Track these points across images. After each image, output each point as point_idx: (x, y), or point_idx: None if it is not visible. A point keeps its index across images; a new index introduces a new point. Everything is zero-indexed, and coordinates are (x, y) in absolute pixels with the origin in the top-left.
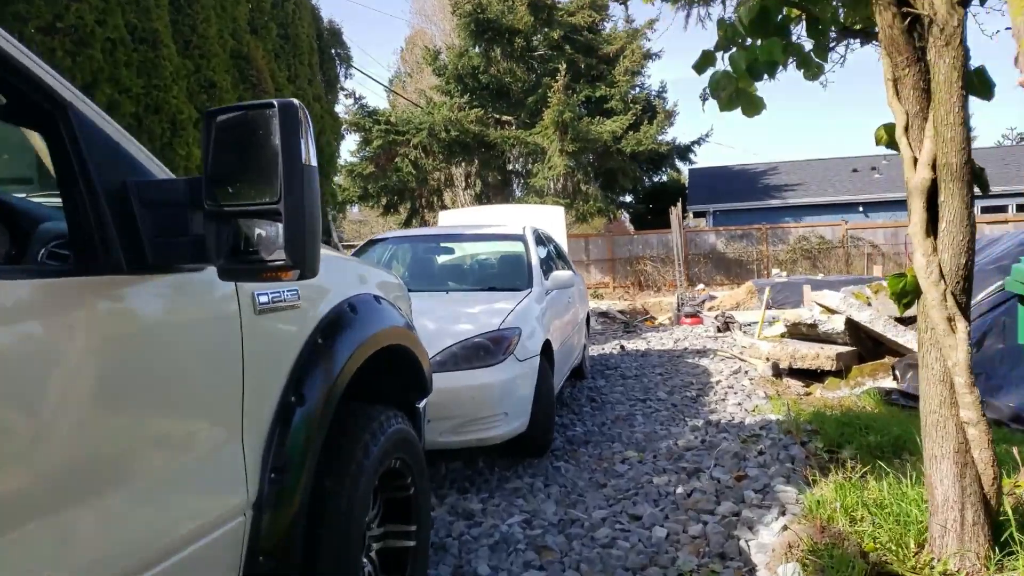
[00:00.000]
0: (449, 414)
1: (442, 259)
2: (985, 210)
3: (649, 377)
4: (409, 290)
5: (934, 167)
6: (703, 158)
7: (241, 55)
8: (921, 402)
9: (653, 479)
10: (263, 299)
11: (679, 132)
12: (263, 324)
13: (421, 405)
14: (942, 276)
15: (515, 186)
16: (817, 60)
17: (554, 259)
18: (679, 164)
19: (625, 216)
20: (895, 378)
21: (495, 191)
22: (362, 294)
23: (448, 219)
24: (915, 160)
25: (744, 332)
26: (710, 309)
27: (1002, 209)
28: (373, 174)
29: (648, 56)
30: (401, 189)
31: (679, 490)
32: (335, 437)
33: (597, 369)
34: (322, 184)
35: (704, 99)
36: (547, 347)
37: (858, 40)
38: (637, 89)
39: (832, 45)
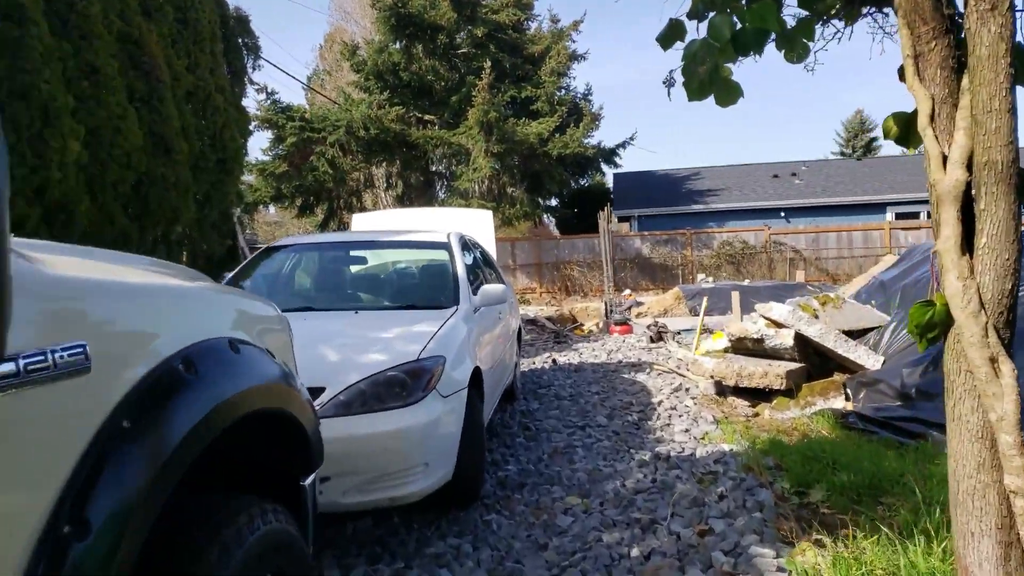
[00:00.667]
0: (355, 469)
1: (354, 270)
2: (899, 216)
3: (586, 397)
4: (313, 308)
5: (969, 166)
6: (626, 162)
7: (131, 39)
8: (951, 463)
9: (602, 536)
10: (7, 368)
11: (604, 136)
12: (8, 409)
13: (308, 482)
14: (982, 305)
15: (439, 188)
16: (803, 39)
17: (483, 269)
18: (604, 168)
19: (549, 220)
20: (847, 397)
21: (418, 193)
22: (208, 340)
23: (363, 223)
24: (944, 157)
25: (678, 343)
26: (638, 315)
27: (914, 216)
28: (287, 173)
29: (574, 57)
30: (317, 190)
31: (634, 552)
32: (163, 558)
33: (529, 388)
34: (227, 183)
35: (669, 85)
36: (476, 375)
37: (850, 13)
38: (563, 91)
39: (827, 18)
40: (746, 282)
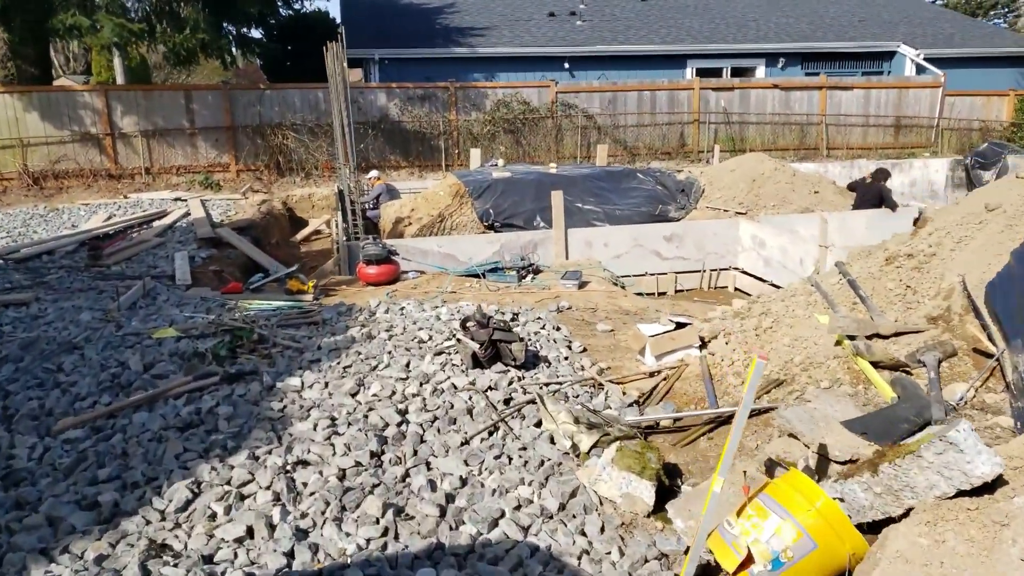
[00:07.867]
0: None
1: None
2: (701, 73)
3: None
4: None
5: None
6: None
7: None
8: None
9: None
10: None
11: None
12: None
13: None
14: None
15: None
16: None
17: None
18: None
19: (254, 62)
20: None
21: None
22: None
23: None
24: None
25: (555, 370)
26: (400, 224)
27: (716, 73)
28: None
29: None
30: None
31: None
32: None
33: None
34: None
35: None
36: None
37: None
38: None
39: None
40: (553, 167)
